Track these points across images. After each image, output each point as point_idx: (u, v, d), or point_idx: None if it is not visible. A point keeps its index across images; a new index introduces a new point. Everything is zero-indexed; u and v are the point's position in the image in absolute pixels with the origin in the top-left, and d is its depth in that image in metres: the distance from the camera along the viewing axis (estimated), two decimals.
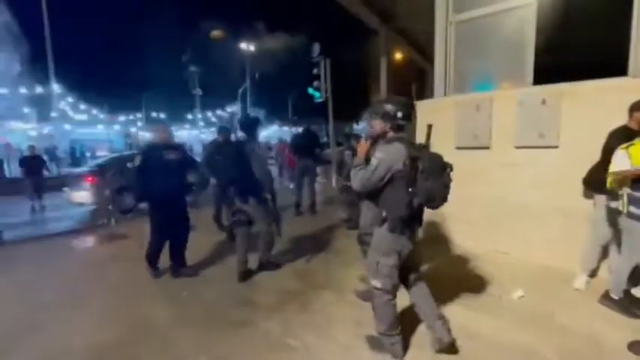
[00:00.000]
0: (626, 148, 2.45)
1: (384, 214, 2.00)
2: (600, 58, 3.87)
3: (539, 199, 3.46)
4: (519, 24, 3.57)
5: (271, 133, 32.88)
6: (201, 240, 4.39)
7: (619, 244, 2.75)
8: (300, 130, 6.03)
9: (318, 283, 3.28)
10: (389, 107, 2.09)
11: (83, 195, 7.10)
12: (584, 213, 3.15)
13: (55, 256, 4.41)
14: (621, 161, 2.41)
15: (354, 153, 4.97)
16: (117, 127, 36.45)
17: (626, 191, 2.43)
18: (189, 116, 35.70)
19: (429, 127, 2.12)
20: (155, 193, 3.27)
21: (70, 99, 31.90)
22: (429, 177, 1.88)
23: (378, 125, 2.12)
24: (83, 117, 35.39)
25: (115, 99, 35.16)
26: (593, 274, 3.09)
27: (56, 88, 19.53)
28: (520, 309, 2.70)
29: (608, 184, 2.59)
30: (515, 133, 3.56)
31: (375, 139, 2.18)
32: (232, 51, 29.34)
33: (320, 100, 8.92)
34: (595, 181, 2.91)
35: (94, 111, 36.01)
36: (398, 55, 11.54)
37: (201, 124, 35.94)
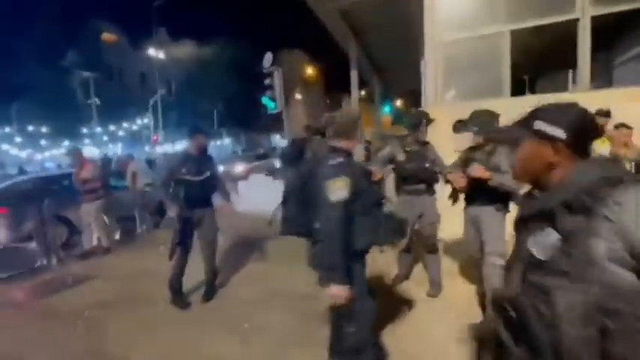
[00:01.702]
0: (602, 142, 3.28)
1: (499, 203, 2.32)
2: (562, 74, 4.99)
3: None
4: (497, 47, 4.29)
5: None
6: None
7: None
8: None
9: None
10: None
11: None
12: None
13: None
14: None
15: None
16: None
17: None
18: (85, 130, 30.25)
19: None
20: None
21: None
22: None
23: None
24: None
25: None
26: None
27: None
28: None
29: None
30: None
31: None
32: (142, 57, 26.19)
33: (274, 112, 8.80)
34: None
35: None
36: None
37: (105, 138, 30.86)
